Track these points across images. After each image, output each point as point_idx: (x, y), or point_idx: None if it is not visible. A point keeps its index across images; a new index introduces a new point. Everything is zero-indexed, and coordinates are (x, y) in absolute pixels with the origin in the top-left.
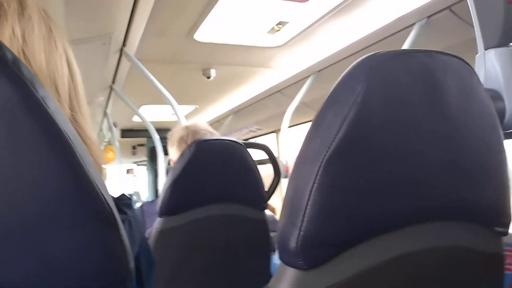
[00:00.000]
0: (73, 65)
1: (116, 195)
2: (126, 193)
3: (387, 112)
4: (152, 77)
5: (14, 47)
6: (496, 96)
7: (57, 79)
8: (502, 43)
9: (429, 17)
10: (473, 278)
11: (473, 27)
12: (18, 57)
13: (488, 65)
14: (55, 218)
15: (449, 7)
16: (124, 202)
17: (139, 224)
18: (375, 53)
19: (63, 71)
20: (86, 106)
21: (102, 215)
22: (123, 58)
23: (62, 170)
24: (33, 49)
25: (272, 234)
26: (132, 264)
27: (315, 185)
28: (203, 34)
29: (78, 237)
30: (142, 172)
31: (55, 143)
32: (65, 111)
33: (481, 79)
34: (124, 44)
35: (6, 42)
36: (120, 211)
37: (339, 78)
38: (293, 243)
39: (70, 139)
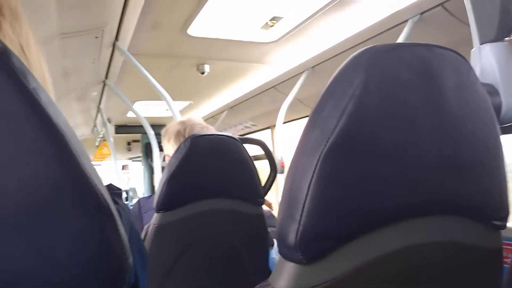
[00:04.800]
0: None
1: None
2: (123, 189)
3: (385, 105)
4: (145, 72)
5: (15, 43)
6: (492, 90)
7: (46, 81)
8: (498, 38)
9: (422, 13)
10: (471, 273)
11: (466, 24)
12: (19, 54)
13: (483, 60)
14: (48, 208)
15: (441, 4)
16: (114, 192)
17: (128, 213)
18: (374, 46)
19: (47, 73)
20: None
21: (96, 206)
22: (116, 53)
23: (55, 161)
24: (30, 48)
25: (269, 229)
26: (130, 258)
27: (314, 178)
28: (197, 29)
29: (72, 226)
30: (138, 168)
31: (48, 134)
32: None
33: (477, 73)
34: (117, 38)
35: (8, 35)
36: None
37: (337, 71)
38: (292, 237)
39: (63, 129)
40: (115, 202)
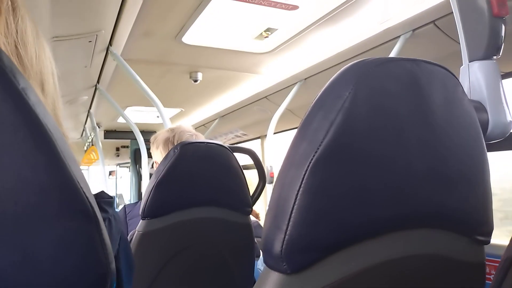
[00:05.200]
0: (53, 63)
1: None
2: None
3: (373, 118)
4: (138, 78)
5: (8, 40)
6: (479, 107)
7: (44, 77)
8: (486, 56)
9: (414, 30)
10: (455, 287)
11: (456, 41)
12: (12, 51)
13: (472, 77)
14: (33, 211)
15: (433, 22)
16: (105, 200)
17: (119, 222)
18: (363, 59)
19: (48, 69)
20: (61, 105)
21: (82, 211)
22: (109, 58)
23: (42, 164)
24: (26, 44)
25: (256, 240)
26: (113, 264)
27: (301, 189)
28: (191, 37)
29: (58, 231)
30: (125, 174)
31: (35, 136)
32: (49, 109)
33: (465, 90)
34: (110, 43)
35: (1, 35)
36: (101, 209)
37: (327, 83)
38: (277, 247)
39: (50, 131)
40: (106, 211)
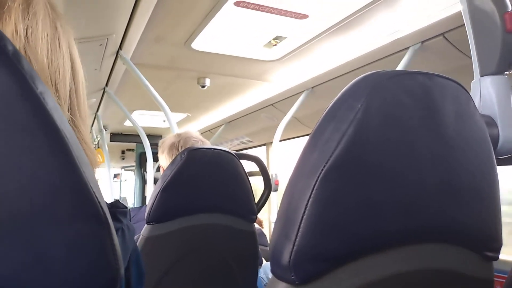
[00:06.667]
0: (77, 65)
1: (110, 201)
2: (113, 198)
3: (385, 131)
4: (146, 82)
5: (15, 45)
6: (490, 122)
7: (58, 81)
8: (498, 71)
9: (423, 42)
10: None
11: (464, 54)
12: (20, 39)
13: (483, 92)
14: (46, 213)
15: (442, 34)
16: (120, 210)
17: (132, 233)
18: (376, 71)
19: (64, 72)
20: (86, 109)
21: (95, 215)
22: (119, 61)
23: (56, 167)
24: (36, 48)
25: (259, 248)
26: (122, 270)
27: (311, 199)
28: (201, 43)
29: (70, 234)
30: (129, 177)
31: (51, 140)
32: (64, 113)
33: (476, 105)
34: (120, 47)
35: (10, 23)
36: (116, 219)
37: (339, 94)
38: (286, 257)
39: (66, 137)
40: (120, 221)
